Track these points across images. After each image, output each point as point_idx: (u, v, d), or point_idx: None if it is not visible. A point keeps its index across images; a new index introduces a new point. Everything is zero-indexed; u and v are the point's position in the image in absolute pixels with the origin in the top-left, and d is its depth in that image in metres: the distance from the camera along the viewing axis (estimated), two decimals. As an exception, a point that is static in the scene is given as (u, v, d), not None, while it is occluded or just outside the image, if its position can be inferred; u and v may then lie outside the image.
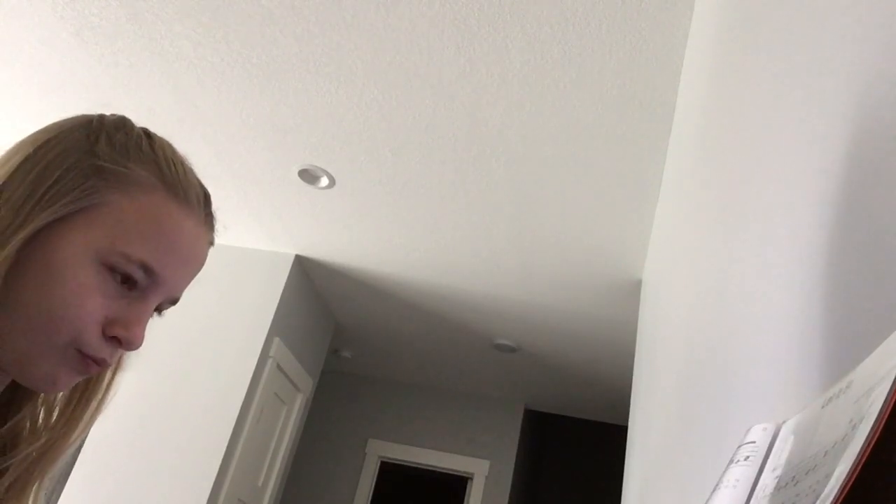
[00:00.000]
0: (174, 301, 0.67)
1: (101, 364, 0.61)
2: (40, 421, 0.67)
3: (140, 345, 0.63)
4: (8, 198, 0.58)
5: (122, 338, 0.61)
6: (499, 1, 1.85)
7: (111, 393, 0.70)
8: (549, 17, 1.87)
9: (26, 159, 0.60)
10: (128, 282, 0.61)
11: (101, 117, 0.66)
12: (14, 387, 0.65)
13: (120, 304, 0.61)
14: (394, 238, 3.20)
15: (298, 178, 2.85)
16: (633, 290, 3.16)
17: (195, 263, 0.67)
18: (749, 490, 0.46)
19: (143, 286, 0.62)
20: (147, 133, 0.67)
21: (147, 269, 0.61)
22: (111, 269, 0.60)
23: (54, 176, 0.59)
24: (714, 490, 0.51)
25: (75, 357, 0.60)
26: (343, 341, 4.64)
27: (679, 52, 1.90)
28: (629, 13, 1.80)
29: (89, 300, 0.59)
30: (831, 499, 0.30)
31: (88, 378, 0.67)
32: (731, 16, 1.26)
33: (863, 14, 0.58)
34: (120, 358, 0.70)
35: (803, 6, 0.77)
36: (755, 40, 1.02)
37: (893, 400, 0.30)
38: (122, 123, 0.66)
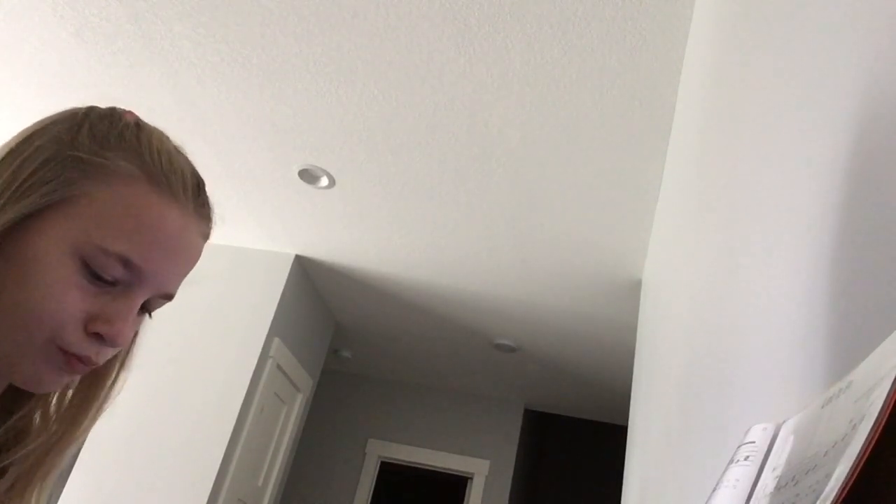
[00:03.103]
0: (167, 296, 0.64)
1: (86, 362, 0.59)
2: (45, 416, 0.66)
3: (125, 342, 0.61)
4: None
5: (105, 334, 0.59)
6: (499, 1, 1.85)
7: (115, 390, 0.68)
8: (549, 17, 1.87)
9: (9, 153, 0.59)
10: (109, 276, 0.59)
11: (90, 109, 0.64)
12: (15, 387, 0.64)
13: (102, 300, 0.59)
14: (394, 238, 3.20)
15: (298, 178, 2.85)
16: (633, 290, 3.16)
17: (183, 256, 0.63)
18: (749, 490, 0.46)
19: (126, 281, 0.60)
20: (138, 124, 0.65)
21: (127, 263, 0.59)
22: (89, 263, 0.58)
23: (30, 168, 0.58)
24: (714, 490, 0.51)
25: (58, 355, 0.58)
26: (343, 341, 4.64)
27: (679, 52, 1.90)
28: (629, 13, 1.80)
29: (67, 296, 0.57)
30: (831, 499, 0.30)
31: (93, 375, 0.66)
32: (732, 15, 1.26)
33: (864, 13, 0.58)
34: (126, 356, 0.69)
35: (803, 6, 0.77)
36: (755, 39, 1.02)
37: (893, 400, 0.30)
38: (108, 114, 0.64)
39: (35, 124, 0.62)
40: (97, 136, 0.61)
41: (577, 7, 1.82)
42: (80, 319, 0.58)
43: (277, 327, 3.46)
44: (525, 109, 2.23)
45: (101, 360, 0.62)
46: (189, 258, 0.64)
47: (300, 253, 3.54)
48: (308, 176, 2.83)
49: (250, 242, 3.51)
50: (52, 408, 0.67)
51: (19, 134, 0.62)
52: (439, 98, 2.26)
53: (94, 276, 0.58)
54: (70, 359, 0.58)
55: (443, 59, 2.09)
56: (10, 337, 0.56)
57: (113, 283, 0.59)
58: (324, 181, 2.84)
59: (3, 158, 0.59)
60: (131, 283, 0.60)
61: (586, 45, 1.93)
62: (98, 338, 0.59)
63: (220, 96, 2.44)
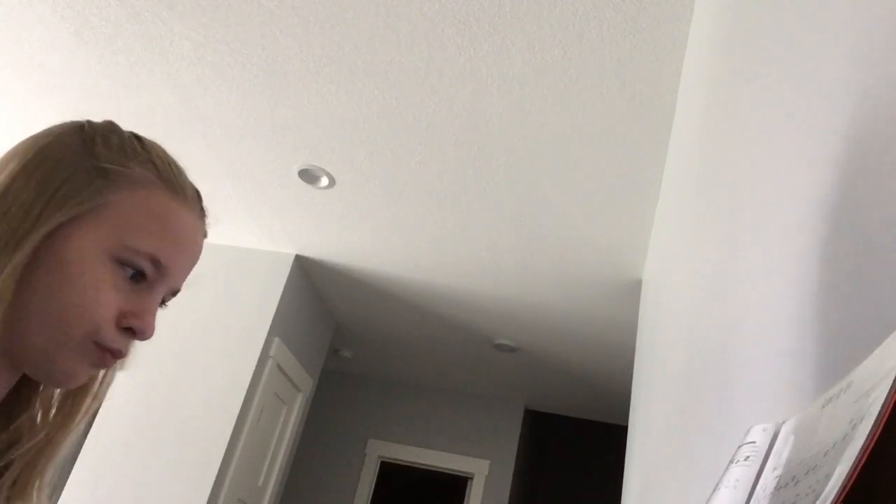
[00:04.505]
0: (175, 292, 0.71)
1: (117, 355, 0.65)
2: (40, 416, 0.69)
3: (152, 334, 0.67)
4: (14, 200, 0.61)
5: (136, 328, 0.65)
6: (499, 1, 1.85)
7: (106, 385, 0.72)
8: (549, 17, 1.87)
9: (27, 164, 0.63)
10: (137, 275, 0.65)
11: (90, 122, 0.69)
12: (18, 385, 0.66)
13: (131, 297, 0.65)
14: (394, 238, 3.20)
15: (298, 178, 2.85)
16: (633, 290, 3.16)
17: (195, 254, 0.71)
18: (749, 490, 0.46)
19: (152, 278, 0.66)
20: (137, 136, 0.71)
21: (155, 262, 0.65)
22: (122, 263, 0.64)
23: (60, 178, 0.63)
24: (714, 490, 0.51)
25: (93, 350, 0.63)
26: (343, 341, 4.64)
27: (679, 52, 1.90)
28: (629, 13, 1.80)
29: (104, 295, 0.62)
30: (831, 499, 0.30)
31: None
32: (732, 16, 1.26)
33: (863, 15, 0.58)
34: None
35: (803, 7, 0.77)
36: (755, 40, 1.03)
37: (893, 400, 0.30)
38: (112, 127, 0.70)
39: (39, 138, 0.66)
40: (113, 148, 0.67)
41: (577, 7, 1.82)
42: (114, 316, 0.64)
43: (277, 327, 3.46)
44: (525, 109, 2.23)
45: (128, 353, 0.68)
46: (196, 256, 0.73)
47: (300, 253, 3.54)
48: (308, 176, 2.83)
49: (250, 242, 3.51)
50: (48, 405, 0.69)
51: (28, 145, 0.65)
52: (439, 98, 2.26)
53: (127, 276, 0.65)
54: (104, 353, 0.64)
55: (443, 59, 2.09)
56: (47, 336, 0.61)
57: (140, 282, 0.66)
58: (324, 181, 2.84)
59: (22, 169, 0.63)
60: (155, 280, 0.67)
61: (586, 45, 1.93)
62: (129, 332, 0.65)
63: (220, 96, 2.44)
